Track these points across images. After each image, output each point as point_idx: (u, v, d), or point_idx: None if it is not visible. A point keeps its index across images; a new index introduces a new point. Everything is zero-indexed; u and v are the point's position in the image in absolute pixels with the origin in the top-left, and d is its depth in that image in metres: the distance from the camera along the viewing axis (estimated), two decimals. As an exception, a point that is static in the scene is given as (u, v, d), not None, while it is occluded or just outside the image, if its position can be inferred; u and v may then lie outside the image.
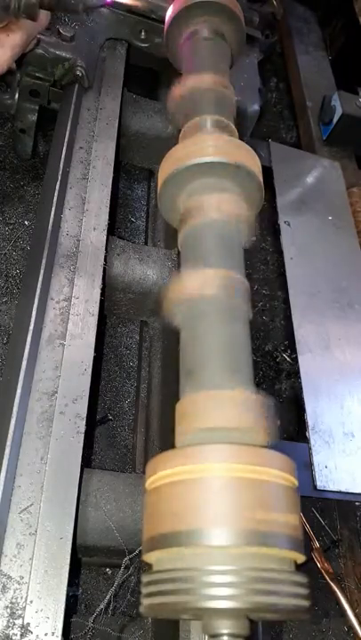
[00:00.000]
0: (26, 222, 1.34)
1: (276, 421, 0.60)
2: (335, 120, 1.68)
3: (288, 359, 1.50)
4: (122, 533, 0.91)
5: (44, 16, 1.04)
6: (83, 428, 0.87)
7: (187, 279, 0.71)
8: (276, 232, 1.54)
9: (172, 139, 1.36)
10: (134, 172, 1.56)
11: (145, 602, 0.53)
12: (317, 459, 1.14)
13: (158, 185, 0.80)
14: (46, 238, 1.00)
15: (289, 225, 1.46)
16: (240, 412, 0.59)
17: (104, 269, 1.05)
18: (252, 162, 0.76)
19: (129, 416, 1.25)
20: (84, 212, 1.08)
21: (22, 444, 0.83)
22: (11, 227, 1.33)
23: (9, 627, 0.71)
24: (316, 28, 2.06)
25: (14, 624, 0.71)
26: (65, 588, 0.75)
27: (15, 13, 0.93)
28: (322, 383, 1.24)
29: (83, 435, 0.86)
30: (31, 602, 0.73)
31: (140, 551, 0.86)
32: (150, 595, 0.53)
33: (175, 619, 0.80)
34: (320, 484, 1.11)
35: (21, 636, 0.71)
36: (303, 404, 1.20)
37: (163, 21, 1.05)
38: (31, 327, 0.90)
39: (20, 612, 0.72)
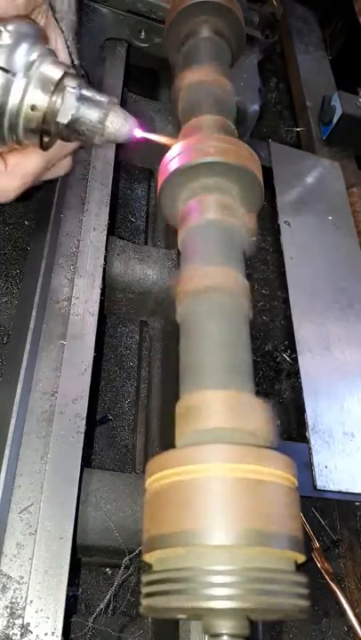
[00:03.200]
0: (26, 222, 1.34)
1: (276, 422, 0.60)
2: (335, 120, 1.68)
3: (288, 359, 1.50)
4: (122, 533, 0.91)
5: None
6: (83, 428, 0.87)
7: (186, 278, 0.71)
8: (276, 232, 1.54)
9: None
10: (134, 172, 1.55)
11: (145, 602, 0.53)
12: (317, 459, 1.14)
13: (158, 185, 0.80)
14: (46, 238, 1.00)
15: (289, 225, 1.46)
16: (240, 411, 0.59)
17: (104, 269, 1.05)
18: (252, 162, 0.76)
19: (129, 416, 1.25)
20: (84, 211, 1.08)
21: (22, 443, 0.83)
22: (11, 227, 1.32)
23: (9, 627, 0.71)
24: (316, 27, 2.06)
25: (14, 624, 0.71)
26: (65, 588, 0.75)
27: (11, 143, 0.76)
28: (322, 383, 1.24)
29: (83, 434, 0.86)
30: (31, 602, 0.73)
31: (140, 551, 0.86)
32: (150, 595, 0.53)
33: (175, 619, 0.80)
34: (320, 484, 1.11)
35: (21, 635, 0.71)
36: (303, 403, 1.20)
37: (163, 21, 1.05)
38: (31, 327, 0.90)
39: (19, 611, 0.72)
